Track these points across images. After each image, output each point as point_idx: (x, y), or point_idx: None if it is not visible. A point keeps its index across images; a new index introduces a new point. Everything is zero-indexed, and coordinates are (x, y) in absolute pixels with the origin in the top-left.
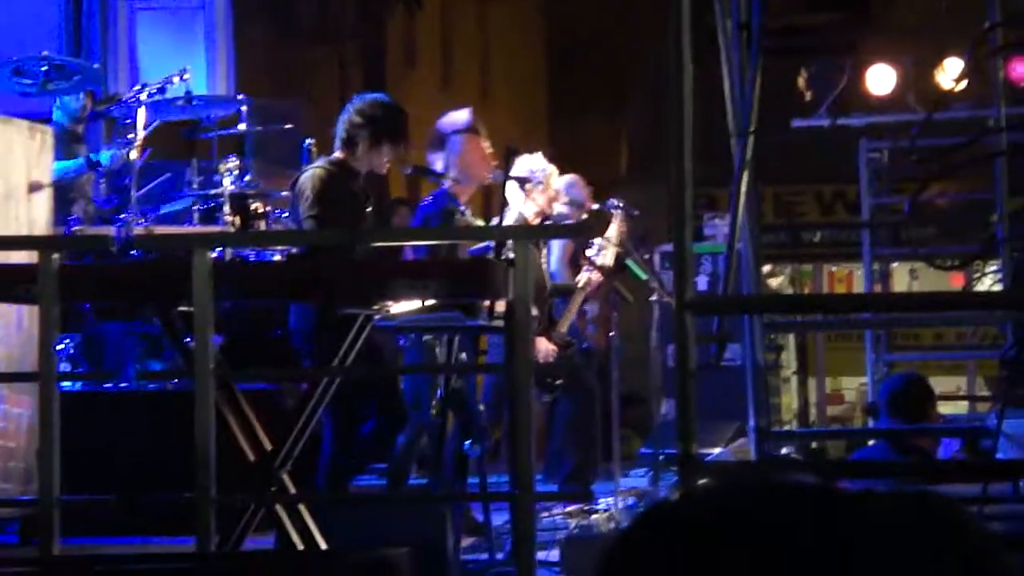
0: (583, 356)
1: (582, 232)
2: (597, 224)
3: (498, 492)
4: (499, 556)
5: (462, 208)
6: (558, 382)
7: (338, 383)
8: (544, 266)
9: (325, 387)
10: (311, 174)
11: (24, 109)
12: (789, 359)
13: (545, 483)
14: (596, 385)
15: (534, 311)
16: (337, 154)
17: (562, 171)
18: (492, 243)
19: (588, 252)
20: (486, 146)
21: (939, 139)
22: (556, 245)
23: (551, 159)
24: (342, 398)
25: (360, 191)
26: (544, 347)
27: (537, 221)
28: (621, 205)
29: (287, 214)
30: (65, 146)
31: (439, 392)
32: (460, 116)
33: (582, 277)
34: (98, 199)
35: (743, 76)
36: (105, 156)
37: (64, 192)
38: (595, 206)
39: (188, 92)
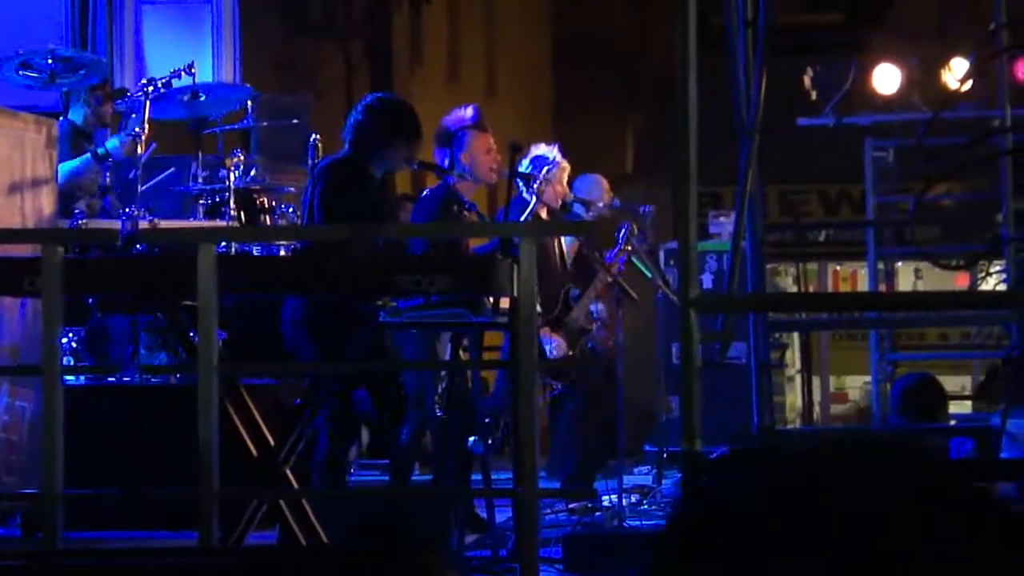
0: (589, 355)
1: (588, 231)
2: (604, 224)
3: (502, 489)
4: (502, 553)
5: (468, 204)
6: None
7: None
8: (560, 250)
9: (328, 382)
10: (330, 165)
11: (30, 102)
12: (793, 358)
13: (549, 480)
14: (601, 383)
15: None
16: (349, 155)
17: (570, 168)
18: (498, 240)
19: (606, 252)
20: (491, 143)
21: (945, 139)
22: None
23: None
24: (340, 394)
25: (376, 195)
26: (558, 341)
27: (544, 216)
28: (626, 205)
29: (292, 209)
30: (71, 141)
31: (442, 388)
32: (466, 112)
33: (601, 275)
34: (104, 192)
35: (749, 74)
36: (112, 143)
37: (70, 188)
38: (600, 204)
39: (195, 86)
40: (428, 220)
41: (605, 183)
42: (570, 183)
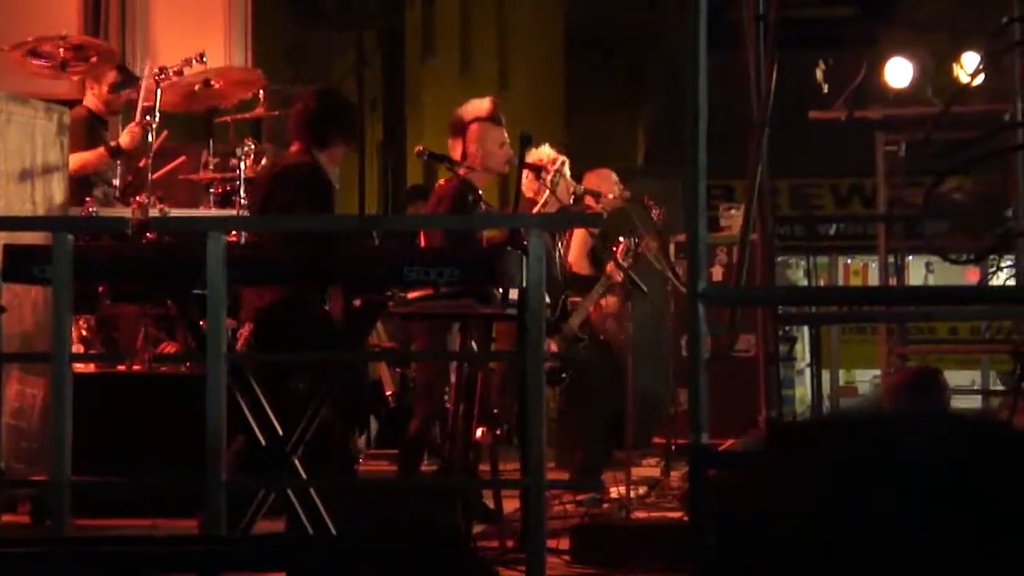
0: (599, 348)
1: (598, 223)
2: (615, 216)
3: (509, 480)
4: (509, 543)
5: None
6: (563, 375)
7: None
8: (560, 258)
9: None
10: (300, 166)
11: (41, 89)
12: (803, 351)
13: (557, 471)
14: (610, 376)
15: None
16: (301, 151)
17: (579, 161)
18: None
19: (615, 248)
20: (505, 136)
21: (956, 133)
22: (576, 237)
23: (569, 149)
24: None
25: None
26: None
27: (553, 210)
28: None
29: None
30: (91, 130)
31: (451, 379)
32: (481, 104)
33: (608, 273)
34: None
35: (760, 68)
36: (124, 138)
37: (83, 177)
38: (611, 196)
39: (206, 75)
40: (447, 212)
41: (614, 176)
42: (579, 177)
